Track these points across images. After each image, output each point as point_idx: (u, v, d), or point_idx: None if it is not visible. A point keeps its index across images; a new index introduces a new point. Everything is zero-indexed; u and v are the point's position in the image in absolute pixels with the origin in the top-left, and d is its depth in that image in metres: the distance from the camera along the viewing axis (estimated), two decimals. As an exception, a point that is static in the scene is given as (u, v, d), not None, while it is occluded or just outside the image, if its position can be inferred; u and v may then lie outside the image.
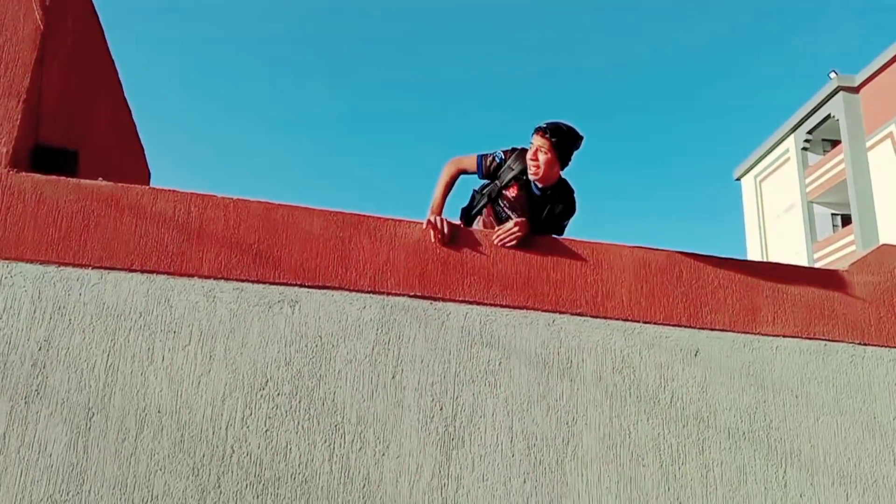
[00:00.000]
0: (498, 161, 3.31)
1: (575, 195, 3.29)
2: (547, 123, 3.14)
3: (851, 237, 21.25)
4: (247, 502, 2.44)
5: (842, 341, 3.13)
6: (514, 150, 3.31)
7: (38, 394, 2.42)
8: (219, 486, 2.43)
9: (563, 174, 3.24)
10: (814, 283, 3.20)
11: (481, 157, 3.34)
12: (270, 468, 2.48)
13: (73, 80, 3.23)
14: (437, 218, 2.92)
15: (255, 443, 2.50)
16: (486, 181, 3.43)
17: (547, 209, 3.24)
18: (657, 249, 3.07)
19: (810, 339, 3.10)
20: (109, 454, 2.40)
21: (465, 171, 3.38)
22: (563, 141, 3.12)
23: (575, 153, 3.21)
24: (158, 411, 2.47)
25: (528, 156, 3.15)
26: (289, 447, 2.51)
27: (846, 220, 23.02)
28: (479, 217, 3.45)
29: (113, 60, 3.85)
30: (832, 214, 23.97)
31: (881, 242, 3.79)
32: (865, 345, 3.15)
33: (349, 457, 2.55)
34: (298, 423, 2.54)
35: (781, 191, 25.56)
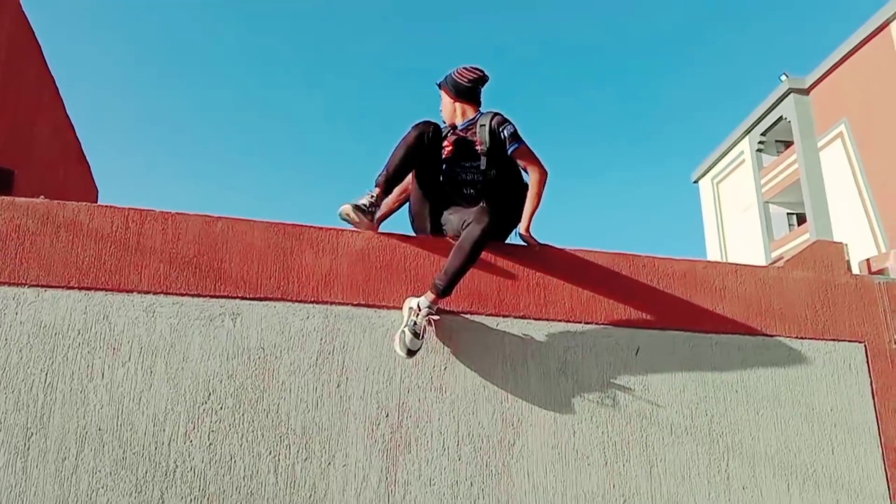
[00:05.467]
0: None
1: (499, 112, 3.18)
2: None
3: (807, 235, 21.69)
4: (191, 517, 2.43)
5: (779, 336, 3.21)
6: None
7: (-27, 416, 2.38)
8: (163, 502, 2.41)
9: (482, 110, 3.21)
10: (751, 279, 3.28)
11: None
12: (215, 482, 2.47)
13: (10, 98, 3.20)
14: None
15: (199, 457, 2.49)
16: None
17: (480, 137, 3.12)
18: (597, 251, 3.13)
19: (749, 334, 3.18)
20: (49, 474, 2.37)
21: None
22: (442, 81, 3.26)
23: (475, 86, 3.21)
24: (99, 429, 2.45)
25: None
26: (233, 460, 2.51)
27: (801, 218, 23.51)
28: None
29: (53, 78, 3.82)
30: (788, 214, 24.45)
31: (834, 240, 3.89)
32: (802, 338, 3.24)
33: (295, 468, 2.55)
34: (242, 435, 2.54)
35: (738, 192, 26.01)
